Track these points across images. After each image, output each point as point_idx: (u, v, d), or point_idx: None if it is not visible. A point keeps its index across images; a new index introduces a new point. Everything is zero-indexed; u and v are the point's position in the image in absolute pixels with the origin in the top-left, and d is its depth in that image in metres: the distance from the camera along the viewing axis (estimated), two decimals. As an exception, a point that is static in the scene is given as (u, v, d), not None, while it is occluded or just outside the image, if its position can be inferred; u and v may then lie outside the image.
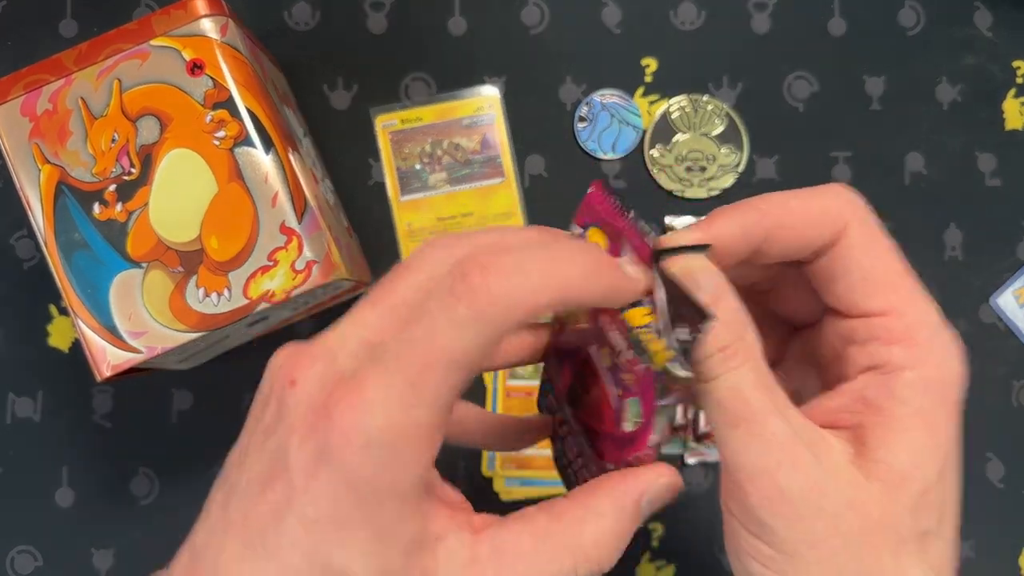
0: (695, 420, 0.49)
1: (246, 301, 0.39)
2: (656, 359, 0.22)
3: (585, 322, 0.26)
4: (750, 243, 0.24)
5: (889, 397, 0.23)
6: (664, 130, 0.51)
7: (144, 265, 0.39)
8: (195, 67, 0.39)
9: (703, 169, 0.51)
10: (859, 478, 0.22)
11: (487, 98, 0.51)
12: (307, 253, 0.39)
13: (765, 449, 0.22)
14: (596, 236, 0.26)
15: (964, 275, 0.51)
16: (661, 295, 0.23)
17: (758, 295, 0.29)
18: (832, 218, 0.24)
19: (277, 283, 0.39)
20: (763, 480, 0.22)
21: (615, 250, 0.25)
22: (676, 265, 0.23)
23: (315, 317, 0.50)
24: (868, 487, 0.22)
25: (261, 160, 0.39)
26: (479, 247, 0.22)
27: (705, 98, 0.51)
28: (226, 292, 0.39)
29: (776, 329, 0.29)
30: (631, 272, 0.23)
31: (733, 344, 0.23)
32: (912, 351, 0.23)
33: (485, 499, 0.50)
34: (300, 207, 0.39)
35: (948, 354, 0.24)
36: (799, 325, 0.28)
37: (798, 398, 0.25)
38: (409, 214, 0.51)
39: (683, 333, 0.22)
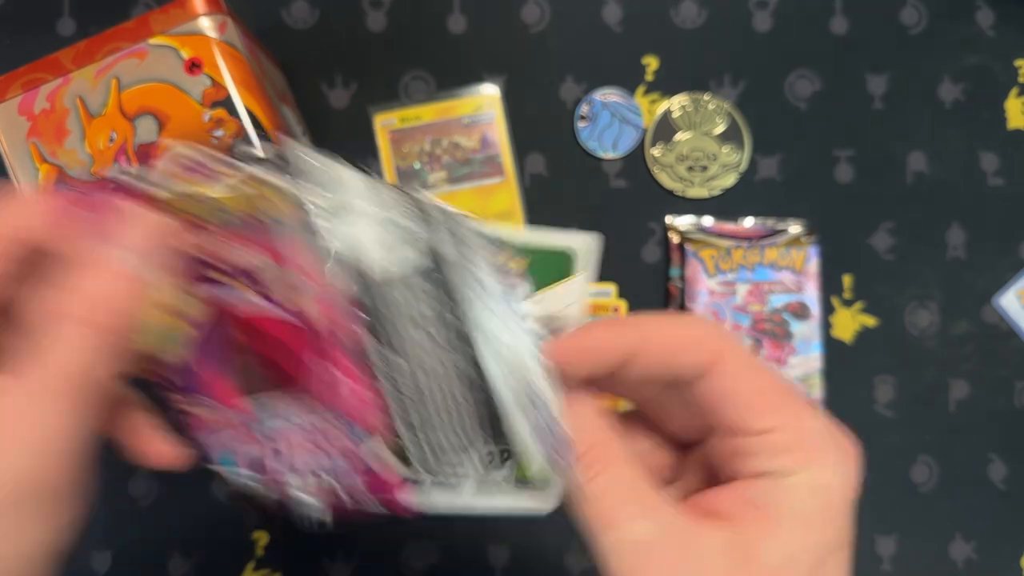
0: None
1: (245, 301, 0.38)
2: None
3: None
4: (620, 351, 0.26)
5: (769, 497, 0.24)
6: (665, 129, 0.51)
7: (142, 265, 0.39)
8: (193, 66, 0.39)
9: (704, 168, 0.51)
10: (730, 569, 0.24)
11: (487, 96, 0.51)
12: (306, 253, 0.38)
13: (632, 551, 0.24)
14: None
15: (966, 275, 0.51)
16: None
17: (650, 419, 0.31)
18: (703, 345, 0.26)
19: (276, 283, 0.38)
20: None
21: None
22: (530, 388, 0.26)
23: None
24: None
25: (260, 159, 0.39)
26: None
27: (706, 97, 0.51)
28: (224, 292, 0.38)
29: (670, 451, 0.31)
30: None
31: (589, 452, 0.25)
32: (796, 460, 0.25)
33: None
34: (299, 207, 0.39)
35: (833, 463, 0.25)
36: (688, 444, 0.30)
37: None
38: (409, 213, 0.51)
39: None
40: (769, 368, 0.26)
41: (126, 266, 0.23)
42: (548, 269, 0.27)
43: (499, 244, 0.26)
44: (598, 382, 0.27)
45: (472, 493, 0.28)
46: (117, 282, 0.23)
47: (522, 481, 0.28)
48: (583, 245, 0.27)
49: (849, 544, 0.25)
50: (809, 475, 0.25)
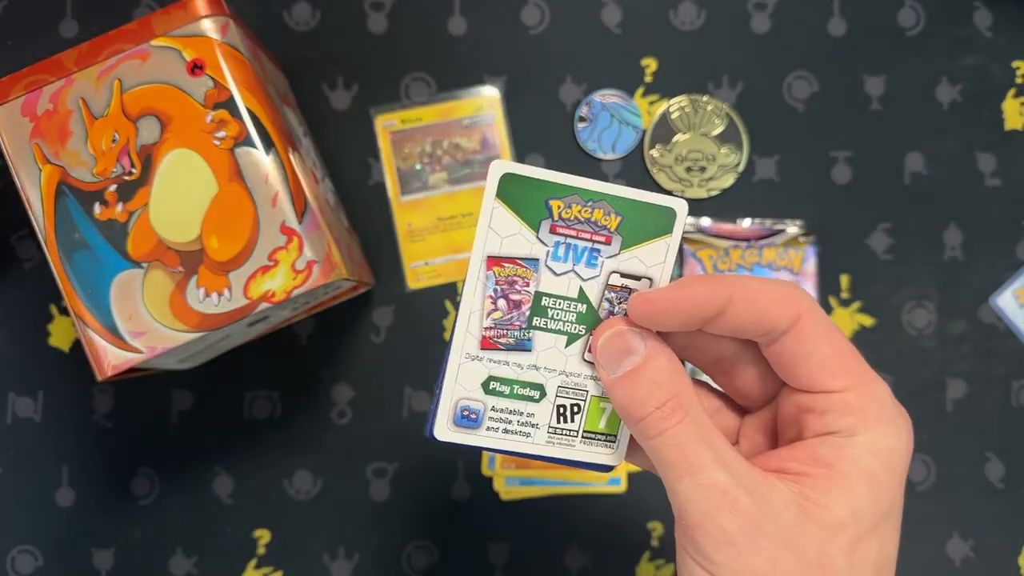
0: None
1: (246, 301, 0.39)
2: None
3: None
4: (717, 304, 0.27)
5: (839, 455, 0.26)
6: (664, 130, 0.51)
7: (144, 265, 0.39)
8: (195, 67, 0.39)
9: (703, 169, 0.51)
10: (799, 519, 0.25)
11: (487, 98, 0.51)
12: (307, 253, 0.39)
13: (707, 496, 0.25)
14: None
15: (964, 275, 0.51)
16: None
17: (716, 382, 0.32)
18: (791, 303, 0.27)
19: (277, 283, 0.39)
20: (708, 523, 0.25)
21: None
22: (608, 330, 0.27)
23: (315, 317, 0.50)
24: (806, 528, 0.25)
25: (261, 160, 0.39)
26: None
27: (705, 98, 0.51)
28: (226, 292, 0.39)
29: (730, 415, 0.32)
30: None
31: (669, 402, 0.26)
32: (865, 422, 0.26)
33: (485, 499, 0.50)
34: (300, 207, 0.39)
35: (897, 427, 0.26)
36: (752, 408, 0.31)
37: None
38: (409, 214, 0.51)
39: None
40: (840, 331, 0.27)
41: None
42: (647, 225, 0.28)
43: (597, 196, 0.28)
44: (678, 339, 0.29)
45: (543, 443, 0.29)
46: None
47: (590, 434, 0.29)
48: (682, 208, 0.28)
49: (901, 508, 0.27)
50: (875, 437, 0.26)
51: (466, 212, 0.51)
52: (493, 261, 0.28)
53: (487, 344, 0.28)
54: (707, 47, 0.52)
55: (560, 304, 0.28)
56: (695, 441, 0.26)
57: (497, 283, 0.28)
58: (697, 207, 0.51)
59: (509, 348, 0.28)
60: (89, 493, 0.50)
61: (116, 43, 0.40)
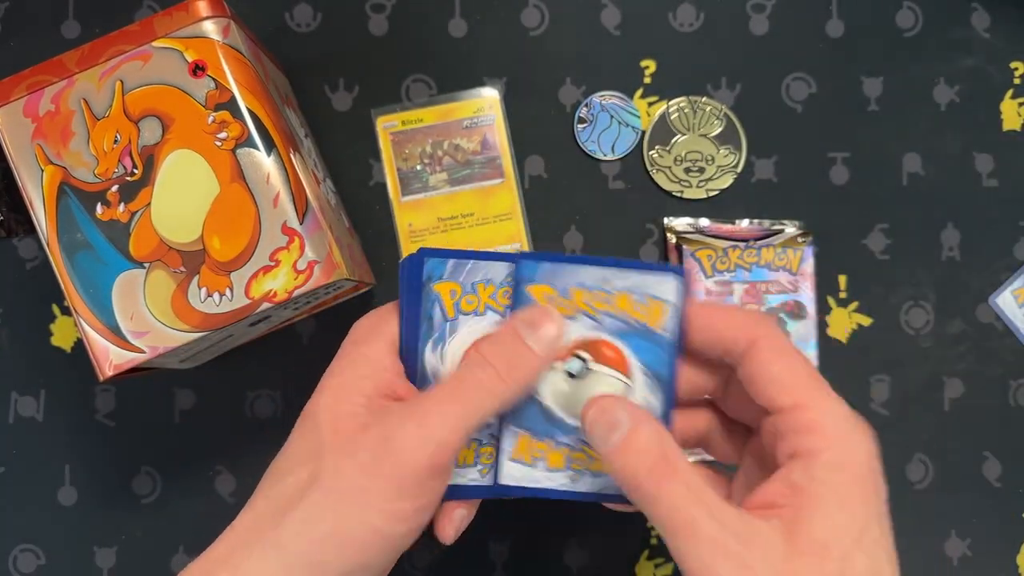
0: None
1: (248, 301, 0.39)
2: None
3: None
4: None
5: (808, 478, 0.27)
6: (663, 131, 0.52)
7: (146, 265, 0.39)
8: (197, 68, 0.40)
9: (702, 170, 0.51)
10: (788, 552, 0.26)
11: (487, 99, 0.51)
12: (309, 253, 0.39)
13: (699, 550, 0.26)
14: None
15: (962, 275, 0.51)
16: None
17: (717, 404, 0.35)
18: (747, 328, 0.30)
19: (279, 283, 0.39)
20: (705, 572, 0.26)
21: None
22: (593, 407, 0.30)
23: (316, 316, 0.50)
24: (795, 559, 0.26)
25: (263, 161, 0.39)
26: None
27: (704, 99, 0.52)
28: (228, 292, 0.39)
29: (735, 435, 0.34)
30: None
31: (657, 465, 0.28)
32: (824, 439, 0.28)
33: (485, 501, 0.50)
34: (301, 207, 0.39)
35: (855, 440, 0.28)
36: (753, 428, 0.33)
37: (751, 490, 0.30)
38: (410, 214, 0.51)
39: None
40: (800, 354, 0.30)
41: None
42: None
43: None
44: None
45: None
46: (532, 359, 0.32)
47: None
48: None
49: (884, 515, 0.28)
50: (836, 453, 0.27)
51: (466, 213, 0.51)
52: None
53: None
54: (706, 48, 0.52)
55: None
56: (686, 500, 0.27)
57: None
58: (696, 207, 0.51)
59: None
60: (91, 492, 0.50)
61: (118, 44, 0.40)
